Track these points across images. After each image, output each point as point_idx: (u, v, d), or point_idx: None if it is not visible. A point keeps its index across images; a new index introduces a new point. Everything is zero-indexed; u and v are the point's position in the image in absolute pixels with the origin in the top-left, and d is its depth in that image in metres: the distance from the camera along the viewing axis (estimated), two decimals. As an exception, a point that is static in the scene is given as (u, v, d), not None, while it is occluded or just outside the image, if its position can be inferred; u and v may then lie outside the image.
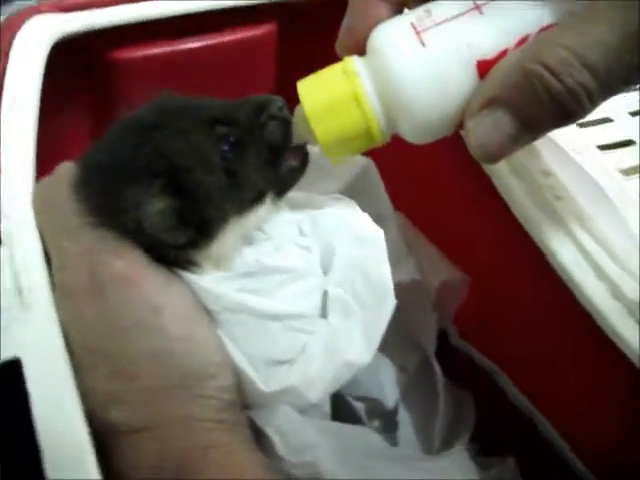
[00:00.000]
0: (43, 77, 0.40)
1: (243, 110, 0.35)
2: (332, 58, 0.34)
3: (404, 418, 0.47)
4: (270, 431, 0.33)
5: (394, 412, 0.47)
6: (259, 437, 0.34)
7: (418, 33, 0.31)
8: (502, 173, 0.41)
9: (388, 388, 0.47)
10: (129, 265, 0.32)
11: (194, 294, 0.33)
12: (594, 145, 0.45)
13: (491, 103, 0.29)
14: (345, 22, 0.34)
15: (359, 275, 0.35)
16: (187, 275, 0.33)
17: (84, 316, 0.31)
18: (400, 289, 0.45)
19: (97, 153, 0.35)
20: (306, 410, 0.37)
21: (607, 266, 0.37)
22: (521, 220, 0.40)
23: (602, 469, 0.42)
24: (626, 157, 0.45)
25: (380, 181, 0.45)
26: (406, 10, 0.34)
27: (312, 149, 0.37)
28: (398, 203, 0.51)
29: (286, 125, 0.35)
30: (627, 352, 0.35)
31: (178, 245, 0.33)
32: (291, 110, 0.35)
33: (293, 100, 0.35)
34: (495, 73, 0.29)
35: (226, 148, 0.34)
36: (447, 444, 0.45)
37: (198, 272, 0.34)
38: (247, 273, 0.34)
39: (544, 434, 0.46)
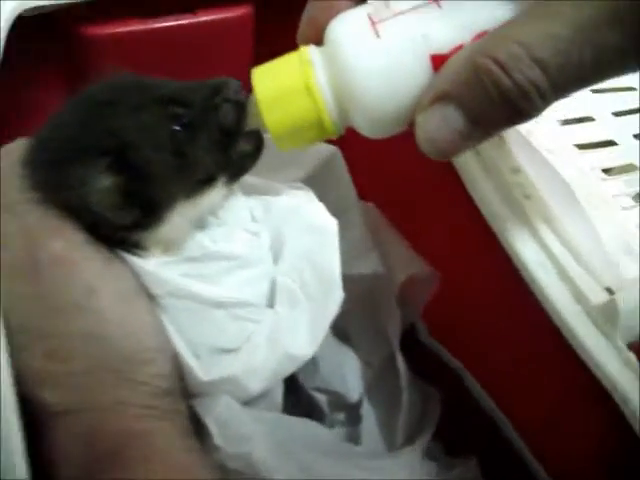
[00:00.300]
0: (9, 49, 0.39)
1: (199, 92, 0.35)
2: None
3: (368, 412, 0.47)
4: (209, 420, 0.33)
5: (358, 405, 0.47)
6: (201, 428, 0.33)
7: (374, 24, 0.30)
8: (470, 168, 0.40)
9: (351, 381, 0.47)
10: (68, 245, 0.31)
11: (137, 278, 0.33)
12: (572, 144, 0.44)
13: (442, 98, 0.28)
14: (306, 12, 0.34)
15: (308, 265, 0.35)
16: (131, 258, 0.33)
17: (20, 295, 0.31)
18: (362, 282, 0.45)
19: (48, 129, 0.34)
20: (256, 401, 0.36)
21: (571, 268, 0.36)
22: (487, 217, 0.39)
23: (562, 474, 0.42)
24: (605, 157, 0.44)
25: (346, 171, 0.44)
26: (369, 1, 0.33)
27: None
28: (370, 195, 0.50)
29: (240, 109, 0.34)
30: (585, 357, 0.34)
31: (123, 225, 0.32)
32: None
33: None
34: (447, 67, 0.28)
35: (178, 128, 0.33)
36: (410, 440, 0.45)
37: (145, 256, 0.33)
38: (193, 258, 0.34)
39: (505, 434, 0.46)
